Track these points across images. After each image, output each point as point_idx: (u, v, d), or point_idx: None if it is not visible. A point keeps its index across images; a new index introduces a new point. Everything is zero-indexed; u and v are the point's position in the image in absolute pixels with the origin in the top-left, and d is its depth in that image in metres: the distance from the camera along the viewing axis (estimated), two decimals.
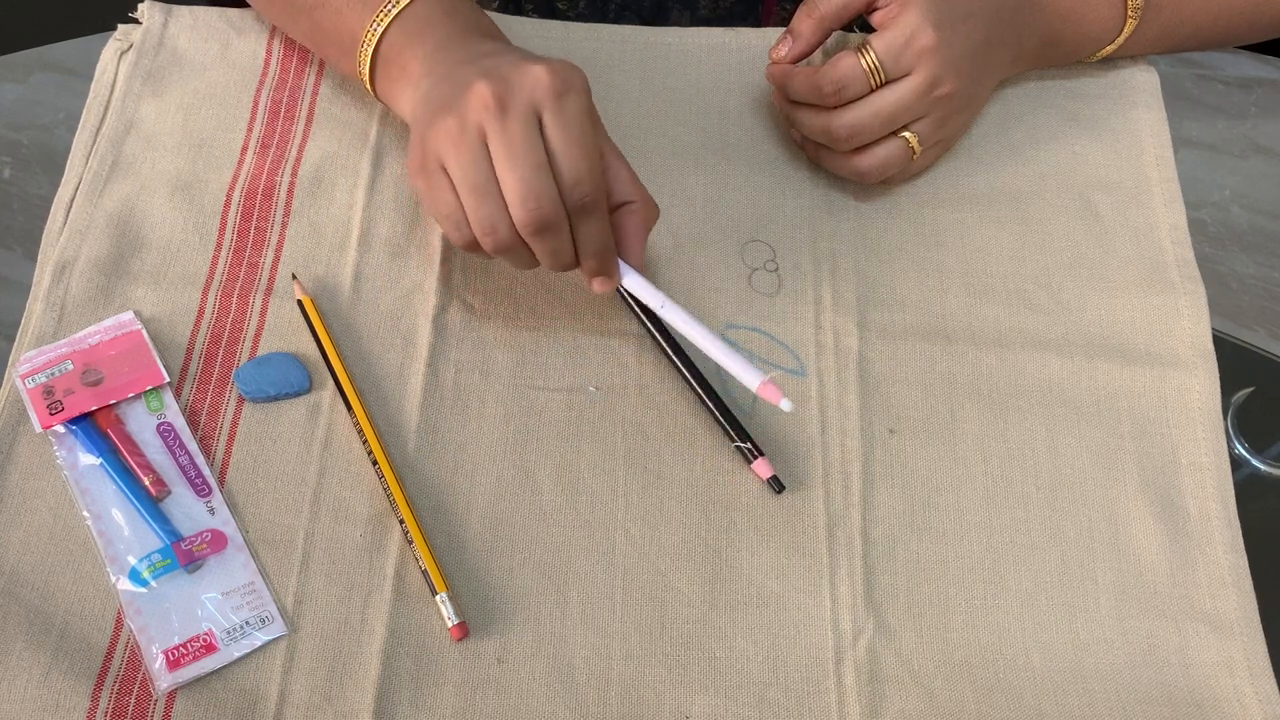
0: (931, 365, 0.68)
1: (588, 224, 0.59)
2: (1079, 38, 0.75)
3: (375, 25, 0.66)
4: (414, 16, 0.66)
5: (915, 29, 0.66)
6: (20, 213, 0.76)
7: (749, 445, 0.64)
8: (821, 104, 0.69)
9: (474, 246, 0.61)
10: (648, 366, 0.67)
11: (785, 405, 0.60)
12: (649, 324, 0.68)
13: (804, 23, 0.71)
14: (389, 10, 0.66)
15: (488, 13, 0.70)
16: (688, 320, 0.62)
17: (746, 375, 0.61)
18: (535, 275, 0.70)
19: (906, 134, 0.69)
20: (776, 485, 0.63)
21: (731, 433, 0.65)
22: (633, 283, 0.63)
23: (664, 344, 0.67)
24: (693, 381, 0.66)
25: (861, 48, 0.67)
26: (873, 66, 0.67)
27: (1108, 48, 0.75)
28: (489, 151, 0.57)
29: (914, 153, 0.70)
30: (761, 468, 0.64)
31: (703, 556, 0.62)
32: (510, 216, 0.58)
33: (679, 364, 0.66)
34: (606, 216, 0.61)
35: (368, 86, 0.69)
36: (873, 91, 0.68)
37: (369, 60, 0.67)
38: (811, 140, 0.72)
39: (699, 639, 0.60)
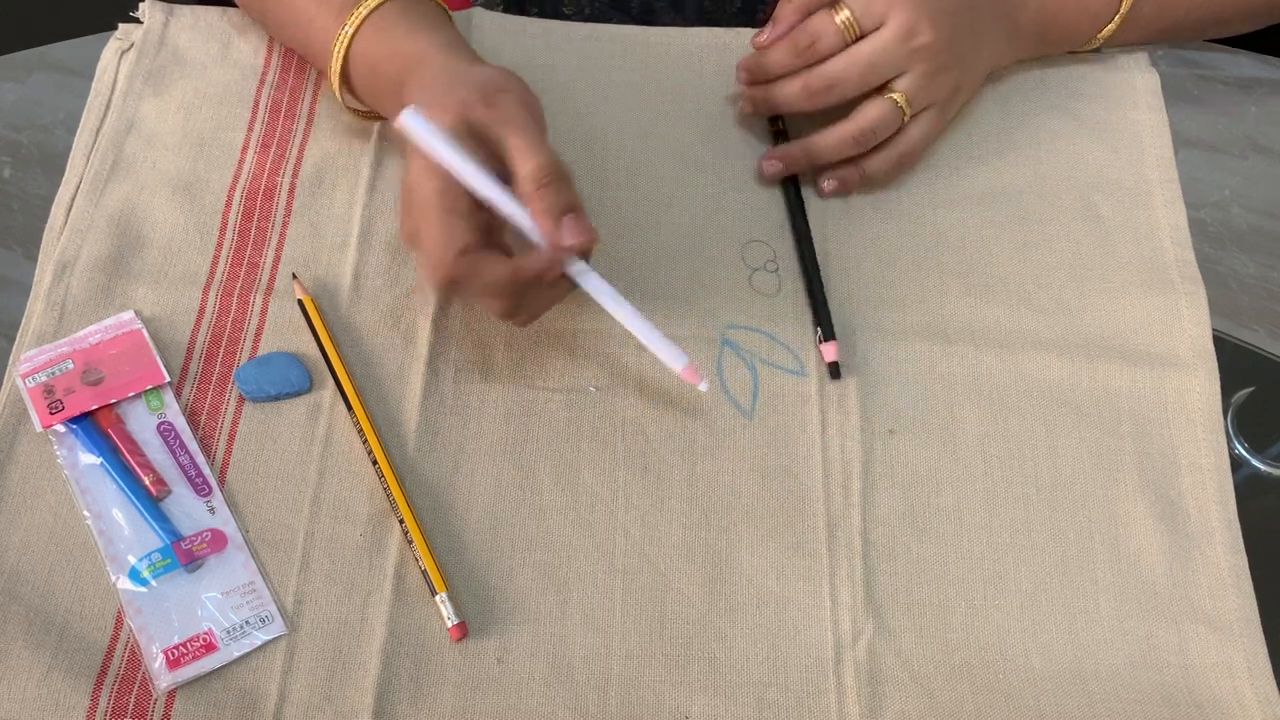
0: (931, 365, 0.68)
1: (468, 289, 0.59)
2: (1077, 13, 0.75)
3: (336, 53, 0.68)
4: (362, 52, 0.68)
5: None
6: (20, 213, 0.76)
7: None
8: (798, 64, 0.69)
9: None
10: (648, 366, 0.67)
11: (703, 386, 0.63)
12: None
13: (785, 8, 0.71)
14: (342, 40, 0.68)
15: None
16: (612, 295, 0.62)
17: (669, 356, 0.62)
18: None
19: (894, 94, 0.69)
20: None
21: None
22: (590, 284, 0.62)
23: None
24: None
25: (835, 5, 0.68)
26: (847, 23, 0.68)
27: (1107, 27, 0.75)
28: None
29: (904, 113, 0.70)
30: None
31: (703, 556, 0.63)
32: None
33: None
34: (479, 277, 0.59)
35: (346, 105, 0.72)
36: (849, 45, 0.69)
37: (339, 82, 0.69)
38: (805, 158, 0.72)
39: (699, 639, 0.60)
